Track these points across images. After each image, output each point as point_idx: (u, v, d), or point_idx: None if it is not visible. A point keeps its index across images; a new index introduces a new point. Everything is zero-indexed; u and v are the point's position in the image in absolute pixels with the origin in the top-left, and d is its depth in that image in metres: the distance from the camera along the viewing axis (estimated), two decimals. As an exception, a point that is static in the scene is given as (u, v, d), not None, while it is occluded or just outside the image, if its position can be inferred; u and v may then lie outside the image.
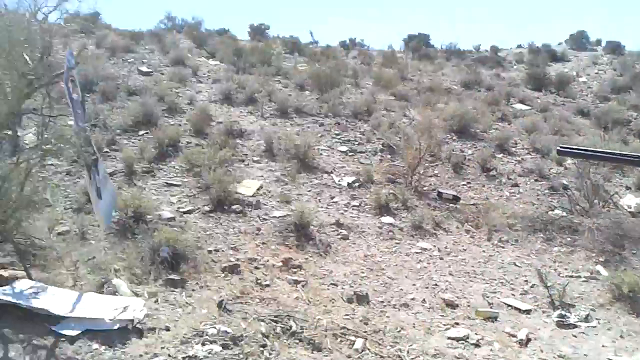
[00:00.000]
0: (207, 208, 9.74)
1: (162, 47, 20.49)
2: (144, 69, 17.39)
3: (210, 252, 8.37)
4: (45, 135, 7.41)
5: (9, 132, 9.85)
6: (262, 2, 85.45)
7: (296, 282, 7.85)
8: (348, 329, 6.65)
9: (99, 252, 7.81)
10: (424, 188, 11.66)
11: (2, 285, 6.23)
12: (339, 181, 11.48)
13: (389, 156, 12.92)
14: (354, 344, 6.36)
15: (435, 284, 8.44)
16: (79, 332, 5.73)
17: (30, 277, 6.60)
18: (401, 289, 8.05)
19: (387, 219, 10.23)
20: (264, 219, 9.67)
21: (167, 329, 6.17)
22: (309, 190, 10.96)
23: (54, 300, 6.09)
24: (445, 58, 25.04)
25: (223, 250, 8.52)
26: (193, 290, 7.28)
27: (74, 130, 7.65)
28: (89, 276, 7.11)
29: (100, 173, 8.30)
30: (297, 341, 6.19)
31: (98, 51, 18.47)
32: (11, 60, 6.48)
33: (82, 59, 14.80)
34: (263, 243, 8.93)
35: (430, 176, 12.39)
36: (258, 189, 10.65)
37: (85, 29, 20.32)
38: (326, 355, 6.06)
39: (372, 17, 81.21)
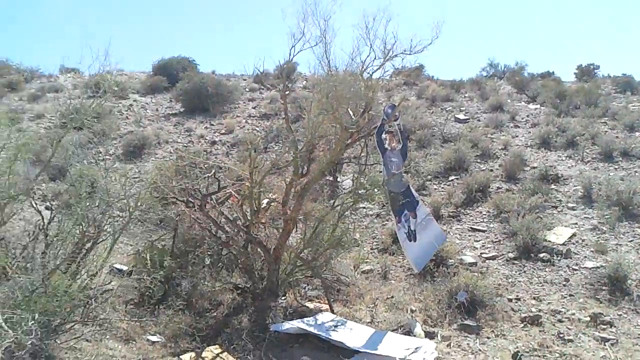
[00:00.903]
0: (511, 255, 9.42)
1: (482, 94, 20.73)
2: (461, 116, 17.81)
3: (510, 300, 8.06)
4: (361, 181, 8.07)
5: (330, 178, 11.16)
6: (593, 42, 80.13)
7: (604, 339, 7.04)
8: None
9: (398, 292, 8.15)
10: None
11: (307, 316, 7.01)
12: (668, 231, 10.03)
13: None
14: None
15: None
16: (370, 366, 6.10)
17: (332, 311, 7.27)
18: None
19: None
20: (574, 270, 8.94)
21: (457, 375, 6.18)
22: (630, 241, 9.78)
23: (351, 334, 6.57)
24: None
25: (524, 300, 8.12)
26: (488, 337, 7.08)
27: (383, 178, 8.26)
28: (386, 314, 7.48)
29: (419, 217, 8.74)
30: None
31: (419, 102, 19.61)
32: (337, 116, 7.24)
33: (402, 110, 15.90)
34: (570, 295, 8.26)
35: None
36: (570, 237, 9.91)
37: (408, 81, 21.77)
38: None
39: None
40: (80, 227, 5.96)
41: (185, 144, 16.39)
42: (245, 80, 24.92)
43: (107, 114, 16.74)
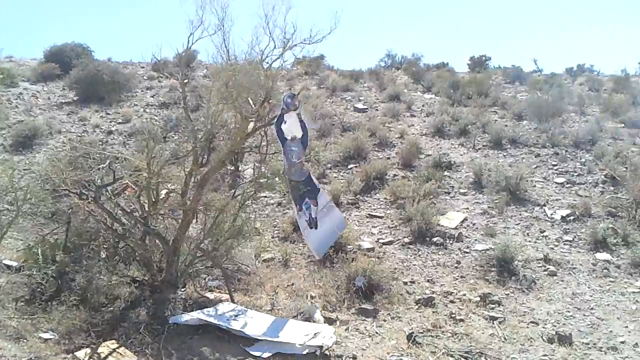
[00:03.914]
0: (407, 240, 9.81)
1: (380, 84, 21.31)
2: (360, 106, 18.24)
3: (405, 283, 8.40)
4: (262, 170, 8.09)
5: (231, 168, 11.11)
6: (485, 34, 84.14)
7: (493, 318, 7.50)
8: (544, 371, 6.22)
9: (299, 279, 8.29)
10: (650, 222, 10.40)
11: (207, 307, 6.99)
12: (551, 214, 10.76)
13: (611, 188, 11.77)
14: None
15: (653, 328, 7.45)
16: (270, 354, 6.14)
17: (233, 300, 7.28)
18: (611, 331, 7.25)
19: (602, 255, 9.31)
20: (465, 252, 9.45)
21: (354, 358, 6.37)
22: (517, 224, 10.45)
23: (251, 322, 6.61)
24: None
25: (419, 282, 8.49)
26: (384, 320, 7.36)
27: (284, 167, 8.31)
28: (286, 301, 7.58)
29: (320, 204, 8.84)
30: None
31: (319, 91, 19.87)
32: (237, 105, 7.19)
33: (303, 99, 16.02)
34: (461, 277, 8.72)
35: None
36: (462, 222, 10.44)
37: (309, 71, 22.00)
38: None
39: (604, 40, 74.61)
40: (-36, 222, 5.65)
41: (79, 134, 15.74)
42: (143, 68, 24.23)
43: (-7, 102, 15.77)
